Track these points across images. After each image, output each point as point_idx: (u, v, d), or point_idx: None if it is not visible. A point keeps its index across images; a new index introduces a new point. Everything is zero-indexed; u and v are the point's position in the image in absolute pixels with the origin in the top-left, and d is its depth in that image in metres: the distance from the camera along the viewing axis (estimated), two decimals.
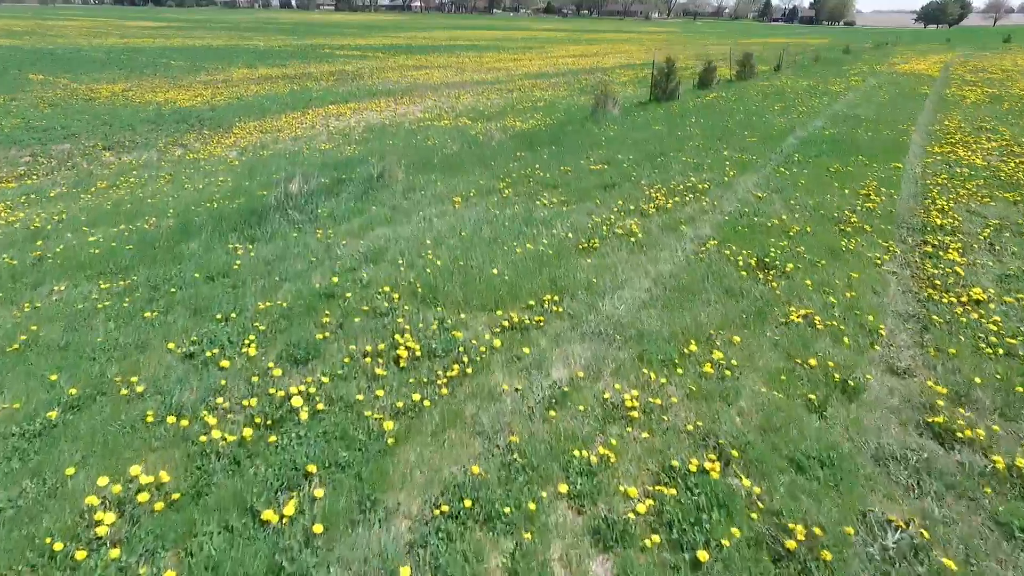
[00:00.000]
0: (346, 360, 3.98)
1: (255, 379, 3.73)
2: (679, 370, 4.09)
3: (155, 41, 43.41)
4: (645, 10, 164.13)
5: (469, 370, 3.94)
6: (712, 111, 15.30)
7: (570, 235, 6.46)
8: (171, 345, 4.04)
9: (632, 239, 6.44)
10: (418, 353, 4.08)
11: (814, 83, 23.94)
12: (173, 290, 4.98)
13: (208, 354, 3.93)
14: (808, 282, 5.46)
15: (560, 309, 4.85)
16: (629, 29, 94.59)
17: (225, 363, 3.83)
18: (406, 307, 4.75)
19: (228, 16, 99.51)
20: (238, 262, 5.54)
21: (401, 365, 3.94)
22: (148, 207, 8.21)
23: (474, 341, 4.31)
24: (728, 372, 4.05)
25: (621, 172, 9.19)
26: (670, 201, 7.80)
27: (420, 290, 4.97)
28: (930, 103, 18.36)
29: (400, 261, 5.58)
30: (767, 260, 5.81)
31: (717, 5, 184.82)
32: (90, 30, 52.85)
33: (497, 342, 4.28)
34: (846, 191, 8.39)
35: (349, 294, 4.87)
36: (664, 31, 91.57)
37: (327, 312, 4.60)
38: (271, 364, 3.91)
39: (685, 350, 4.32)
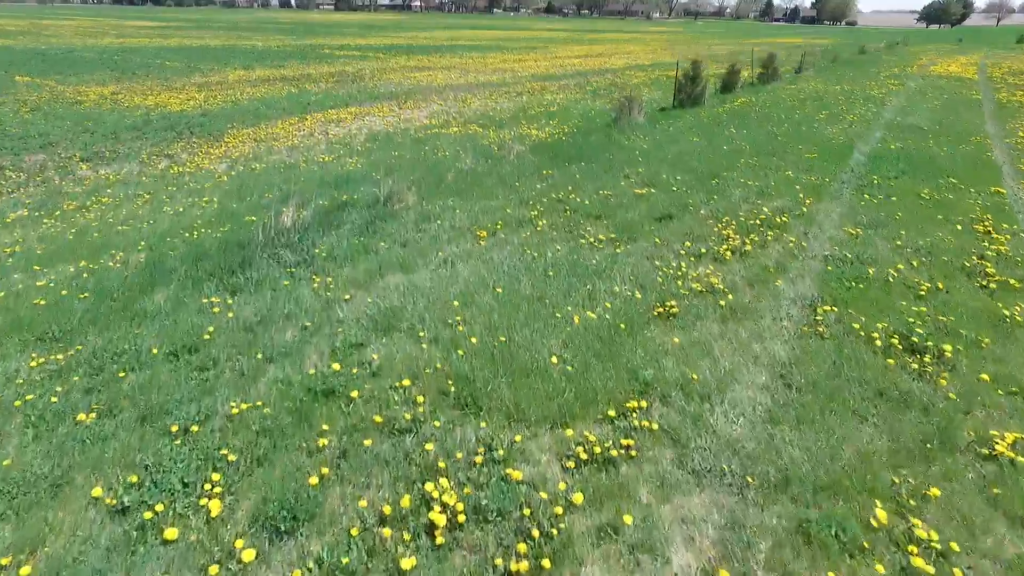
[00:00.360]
0: (353, 531, 2.70)
1: (214, 572, 2.43)
2: (879, 566, 2.67)
3: (151, 41, 42.16)
4: (646, 10, 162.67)
5: (546, 562, 2.60)
6: (748, 119, 14.05)
7: (636, 293, 5.13)
8: (97, 491, 2.78)
9: (719, 300, 5.10)
10: (460, 515, 2.81)
11: (849, 87, 22.69)
12: (122, 373, 3.77)
13: (148, 514, 2.66)
14: (984, 376, 4.11)
15: (653, 425, 3.51)
16: (631, 29, 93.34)
17: (171, 532, 2.56)
18: (435, 419, 3.48)
19: (227, 16, 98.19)
20: (211, 328, 4.31)
21: (437, 540, 2.67)
22: (117, 237, 6.99)
23: (542, 493, 3.01)
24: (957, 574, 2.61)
25: (672, 198, 7.93)
26: (746, 240, 6.51)
27: (452, 386, 3.72)
28: (987, 110, 17.15)
29: (420, 332, 4.31)
30: (914, 339, 4.47)
31: (718, 5, 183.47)
32: (86, 30, 51.59)
33: (577, 496, 2.96)
34: (957, 227, 7.09)
35: (355, 392, 3.59)
36: (667, 31, 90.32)
37: (325, 425, 3.36)
38: (239, 539, 2.62)
39: (870, 519, 2.92)
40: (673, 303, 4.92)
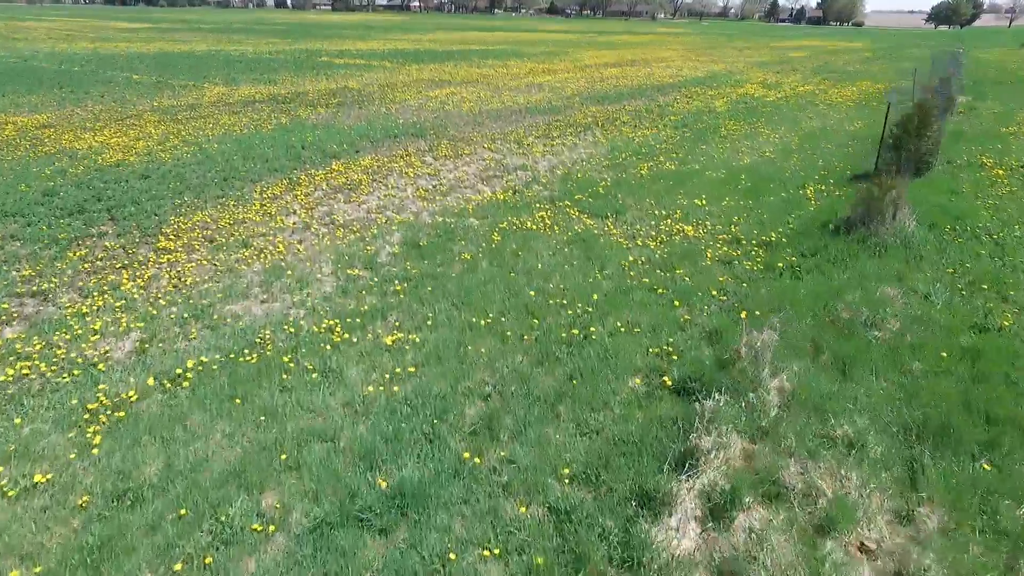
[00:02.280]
0: None
1: None
2: None
3: (130, 46, 36.60)
4: (651, 10, 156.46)
5: None
6: None
7: None
8: None
9: None
10: None
11: None
12: None
13: None
14: None
15: None
16: (641, 30, 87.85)
17: None
18: None
19: (219, 16, 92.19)
20: None
21: None
22: None
23: None
24: None
25: None
26: None
27: None
28: None
29: None
30: None
31: (723, 5, 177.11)
32: (61, 32, 45.89)
33: None
34: None
35: None
36: (678, 32, 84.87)
37: None
38: None
39: None
40: None
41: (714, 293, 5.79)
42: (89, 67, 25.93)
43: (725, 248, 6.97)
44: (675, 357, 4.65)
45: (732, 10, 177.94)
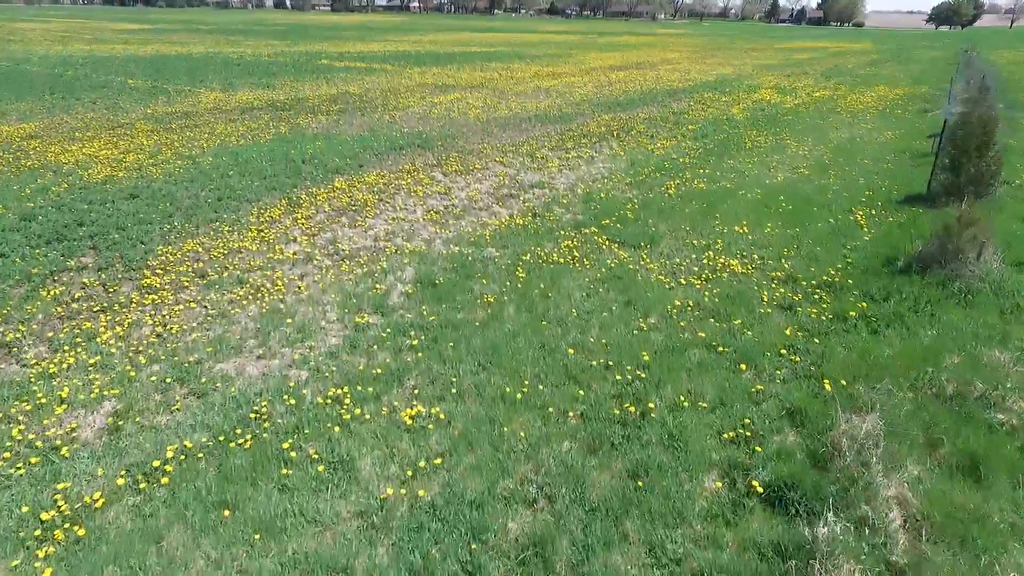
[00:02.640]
0: None
1: None
2: None
3: (126, 48, 35.74)
4: (651, 11, 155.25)
5: None
6: None
7: None
8: None
9: None
10: None
11: None
12: None
13: None
14: None
15: None
16: (642, 31, 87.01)
17: None
18: None
19: (217, 17, 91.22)
20: None
21: None
22: None
23: None
24: None
25: None
26: None
27: None
28: None
29: None
30: None
31: (723, 6, 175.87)
32: (57, 34, 45.00)
33: None
34: None
35: None
36: (680, 33, 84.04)
37: None
38: None
39: None
40: None
41: (783, 351, 4.98)
42: (83, 71, 25.07)
43: (782, 289, 6.15)
44: (757, 448, 3.83)
45: (732, 10, 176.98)
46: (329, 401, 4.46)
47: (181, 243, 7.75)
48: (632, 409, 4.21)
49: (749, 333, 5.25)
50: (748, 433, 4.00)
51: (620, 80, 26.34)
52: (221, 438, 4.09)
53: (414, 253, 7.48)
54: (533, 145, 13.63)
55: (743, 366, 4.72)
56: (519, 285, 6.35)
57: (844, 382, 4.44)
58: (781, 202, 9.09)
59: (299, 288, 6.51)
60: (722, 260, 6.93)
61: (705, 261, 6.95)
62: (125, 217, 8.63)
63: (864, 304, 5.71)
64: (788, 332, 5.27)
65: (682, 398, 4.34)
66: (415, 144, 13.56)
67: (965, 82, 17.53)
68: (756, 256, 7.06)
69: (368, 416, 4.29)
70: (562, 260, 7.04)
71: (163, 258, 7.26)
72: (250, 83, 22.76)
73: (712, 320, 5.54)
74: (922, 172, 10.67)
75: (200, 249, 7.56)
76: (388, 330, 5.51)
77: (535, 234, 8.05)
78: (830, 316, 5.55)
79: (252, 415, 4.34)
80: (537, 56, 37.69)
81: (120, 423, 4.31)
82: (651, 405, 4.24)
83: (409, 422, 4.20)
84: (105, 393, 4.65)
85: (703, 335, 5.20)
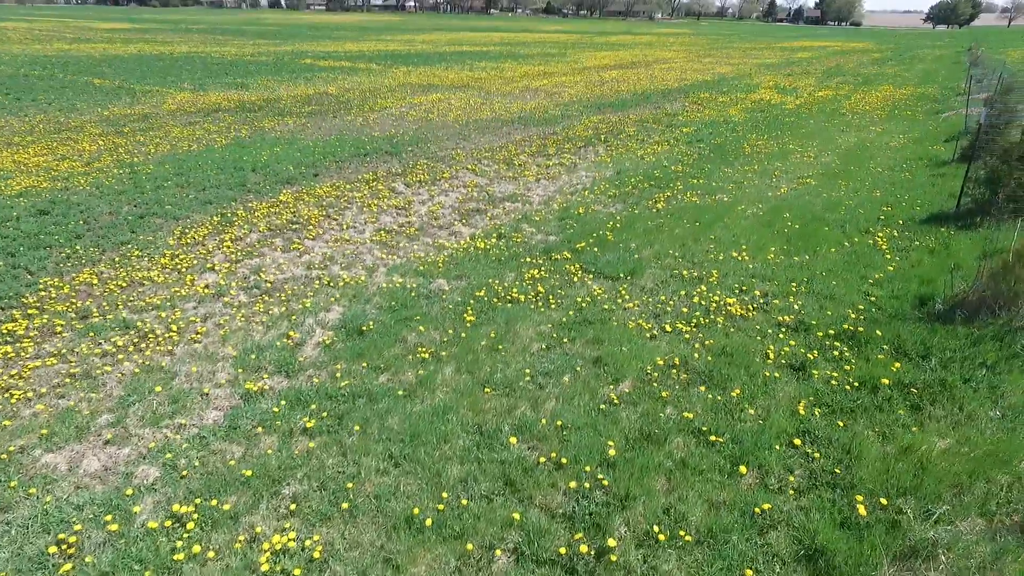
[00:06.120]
0: None
1: None
2: None
3: (108, 47, 34.45)
4: (648, 10, 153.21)
5: None
6: None
7: None
8: None
9: None
10: None
11: None
12: None
13: None
14: None
15: None
16: (640, 31, 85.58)
17: None
18: None
19: (210, 17, 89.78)
20: None
21: None
22: None
23: None
24: None
25: None
26: None
27: None
28: None
29: None
30: None
31: (721, 5, 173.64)
32: (41, 34, 43.67)
33: None
34: None
35: None
36: (678, 32, 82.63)
37: None
38: None
39: None
40: None
41: (796, 441, 3.69)
42: (50, 71, 23.75)
43: (791, 342, 4.85)
44: None
45: (730, 10, 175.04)
46: (167, 526, 3.18)
47: (76, 273, 6.46)
48: (584, 550, 2.92)
49: (751, 410, 3.96)
50: None
51: (613, 80, 25.02)
52: None
53: (349, 286, 6.19)
54: (511, 151, 12.33)
55: (742, 468, 3.44)
56: (463, 335, 5.06)
57: (884, 500, 3.16)
58: (786, 220, 7.79)
59: (196, 336, 5.22)
60: (716, 298, 5.64)
61: (696, 299, 5.65)
62: (24, 238, 7.34)
63: (897, 365, 4.42)
64: (802, 409, 3.98)
65: (656, 526, 3.06)
66: (383, 150, 12.27)
67: (979, 81, 16.20)
68: (758, 292, 5.76)
69: (212, 554, 3.00)
70: (522, 297, 5.75)
71: (44, 294, 5.97)
72: (224, 83, 21.47)
73: (703, 388, 4.24)
74: (945, 183, 9.38)
75: (96, 281, 6.27)
76: (284, 402, 4.22)
77: (497, 261, 6.75)
78: (854, 384, 4.25)
79: (53, 548, 3.06)
80: (529, 56, 36.36)
81: None
82: (611, 542, 2.95)
83: (267, 567, 2.91)
84: None
85: (688, 416, 3.91)
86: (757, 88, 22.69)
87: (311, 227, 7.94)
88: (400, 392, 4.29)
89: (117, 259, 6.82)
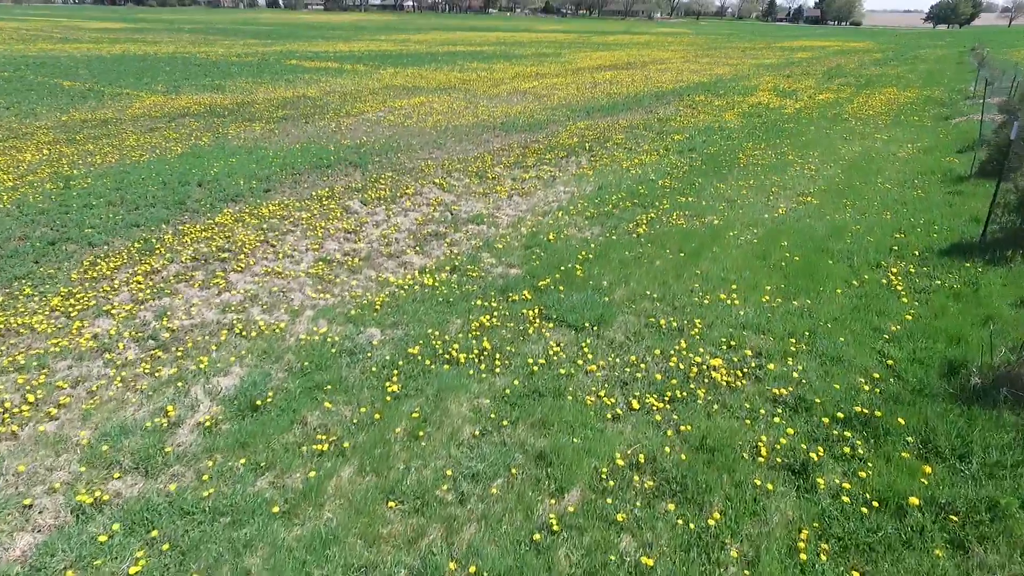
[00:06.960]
0: None
1: None
2: None
3: (93, 48, 33.44)
4: (648, 10, 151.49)
5: None
6: None
7: None
8: None
9: None
10: None
11: None
12: None
13: None
14: None
15: None
16: (639, 31, 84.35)
17: None
18: None
19: (206, 17, 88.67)
20: None
21: None
22: None
23: None
24: None
25: None
26: None
27: None
28: None
29: None
30: None
31: (720, 4, 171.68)
32: (27, 33, 42.67)
33: None
34: None
35: None
36: (677, 32, 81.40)
37: None
38: None
39: None
40: None
41: None
42: (20, 72, 22.71)
43: (789, 429, 3.79)
44: None
45: (729, 9, 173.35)
46: None
47: None
48: None
49: (733, 550, 2.90)
50: None
51: (606, 81, 23.92)
52: None
53: (262, 336, 5.14)
54: (487, 162, 11.27)
55: None
56: (379, 414, 4.01)
57: None
58: (784, 249, 6.72)
59: (53, 411, 4.17)
60: (699, 359, 4.58)
61: (673, 360, 4.59)
62: None
63: (928, 469, 3.36)
64: (802, 541, 2.93)
65: None
66: (348, 160, 11.22)
67: (990, 84, 15.09)
68: (749, 352, 4.70)
69: None
70: (463, 357, 4.69)
71: None
72: (199, 86, 20.42)
73: (671, 506, 3.19)
74: (965, 203, 8.29)
75: None
76: (119, 526, 3.17)
77: (444, 303, 5.70)
78: (873, 500, 3.20)
79: None
80: (523, 56, 35.26)
81: None
82: None
83: None
84: None
85: (649, 561, 2.85)
86: (755, 90, 21.58)
87: (242, 256, 6.89)
88: (276, 509, 3.24)
89: (2, 300, 5.78)
